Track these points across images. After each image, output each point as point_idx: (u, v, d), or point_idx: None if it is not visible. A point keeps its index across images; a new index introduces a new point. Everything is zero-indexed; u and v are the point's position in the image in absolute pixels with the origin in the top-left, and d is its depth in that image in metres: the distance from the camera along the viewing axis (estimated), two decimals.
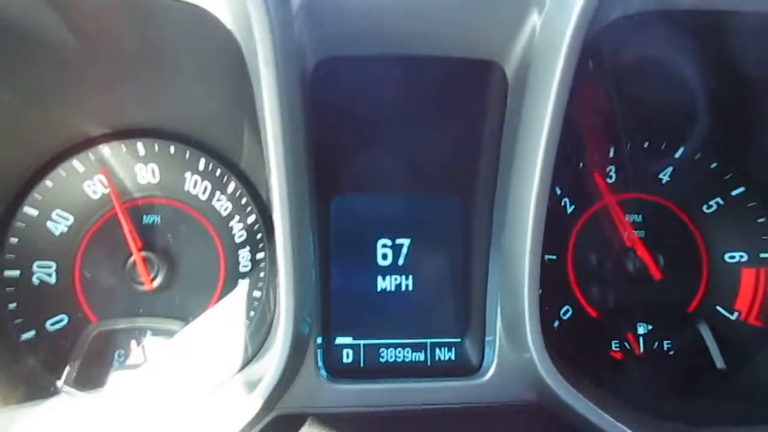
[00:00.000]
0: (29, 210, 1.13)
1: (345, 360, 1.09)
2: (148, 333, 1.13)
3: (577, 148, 1.18)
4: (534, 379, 0.96)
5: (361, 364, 1.09)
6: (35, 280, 1.13)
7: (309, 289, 1.00)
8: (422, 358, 1.10)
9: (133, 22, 0.95)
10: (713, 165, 1.22)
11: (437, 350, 1.10)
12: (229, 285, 1.15)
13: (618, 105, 1.11)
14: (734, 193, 1.22)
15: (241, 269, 1.16)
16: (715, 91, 1.11)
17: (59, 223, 1.14)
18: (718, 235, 1.22)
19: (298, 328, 0.92)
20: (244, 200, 1.17)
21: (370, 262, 1.11)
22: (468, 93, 1.07)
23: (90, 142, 1.15)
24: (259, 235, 1.17)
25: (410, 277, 1.11)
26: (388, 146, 1.10)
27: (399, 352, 1.10)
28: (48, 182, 1.14)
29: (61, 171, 1.14)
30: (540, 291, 0.93)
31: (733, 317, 1.20)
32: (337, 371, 1.07)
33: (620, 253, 1.18)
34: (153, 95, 1.09)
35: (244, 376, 1.01)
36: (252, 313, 1.14)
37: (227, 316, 1.12)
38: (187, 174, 1.16)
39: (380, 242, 1.11)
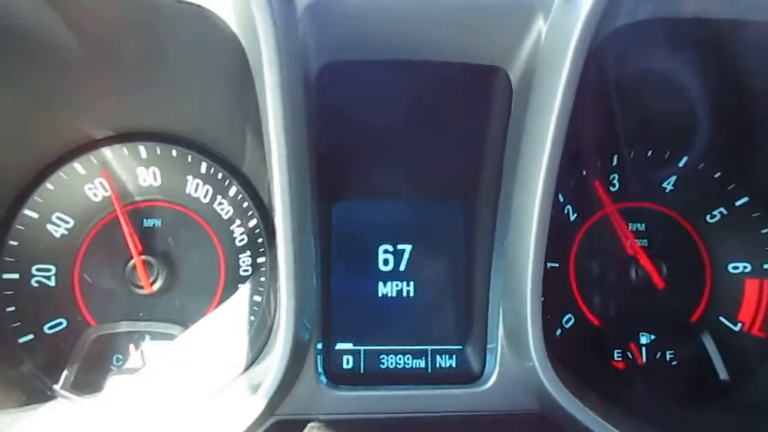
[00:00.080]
0: (29, 213, 1.13)
1: (345, 366, 1.09)
2: (147, 337, 1.13)
3: (580, 156, 1.17)
4: (536, 388, 0.95)
5: (362, 371, 1.09)
6: (34, 283, 1.12)
7: (310, 294, 0.99)
8: (423, 364, 1.10)
9: (137, 24, 0.95)
10: (717, 175, 1.22)
11: (438, 357, 1.10)
12: (230, 289, 1.15)
13: (622, 113, 1.11)
14: (738, 203, 1.21)
15: (242, 273, 1.16)
16: (719, 100, 1.10)
17: (59, 226, 1.13)
18: (721, 245, 1.21)
19: (299, 334, 0.92)
20: (245, 204, 1.16)
21: (372, 267, 1.10)
22: (472, 98, 1.07)
23: (92, 145, 1.15)
24: (260, 240, 1.16)
25: (411, 283, 1.10)
26: (391, 151, 1.10)
27: (399, 359, 1.09)
28: (49, 185, 1.14)
29: (62, 173, 1.14)
30: (542, 299, 0.93)
31: (737, 328, 1.19)
32: (337, 377, 1.06)
33: (623, 262, 1.18)
34: (156, 98, 1.09)
35: (244, 381, 1.00)
36: (252, 318, 1.13)
37: (227, 320, 1.11)
38: (189, 177, 1.16)
39: (382, 248, 1.10)
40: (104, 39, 0.96)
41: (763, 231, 1.20)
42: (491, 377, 1.03)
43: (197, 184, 1.16)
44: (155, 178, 1.16)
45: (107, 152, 1.15)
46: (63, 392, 1.08)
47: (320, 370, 1.03)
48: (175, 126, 1.15)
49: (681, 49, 1.02)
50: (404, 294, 1.10)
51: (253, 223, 1.16)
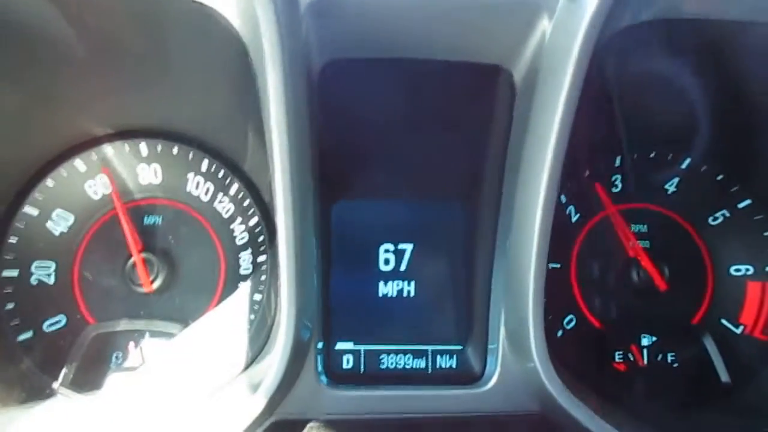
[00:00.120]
0: (29, 209, 1.12)
1: (345, 366, 1.08)
2: (147, 335, 1.12)
3: (582, 156, 1.17)
4: (537, 389, 0.95)
5: (362, 370, 1.08)
6: (34, 281, 1.12)
7: (310, 294, 0.99)
8: (423, 365, 1.09)
9: (138, 21, 0.94)
10: (720, 177, 1.22)
11: (438, 357, 1.09)
12: (230, 288, 1.14)
13: (624, 114, 1.11)
14: (741, 205, 1.21)
15: (242, 272, 1.15)
16: (722, 101, 1.10)
17: (59, 223, 1.13)
18: (723, 248, 1.21)
19: (299, 333, 0.91)
20: (246, 202, 1.16)
21: (372, 267, 1.10)
22: (475, 97, 1.07)
23: (93, 142, 1.14)
24: (260, 238, 1.16)
25: (412, 282, 1.10)
26: (393, 150, 1.09)
27: (400, 359, 1.09)
28: (49, 182, 1.13)
29: (62, 170, 1.14)
30: (544, 299, 0.93)
31: (738, 331, 1.19)
32: (338, 377, 1.06)
33: (624, 263, 1.17)
34: (157, 95, 1.09)
35: (244, 380, 1.00)
36: (252, 317, 1.13)
37: (227, 319, 1.11)
38: (190, 175, 1.15)
39: (382, 247, 1.10)
40: (106, 36, 0.96)
41: (766, 234, 1.20)
42: (492, 378, 1.03)
43: (198, 182, 1.15)
44: (156, 176, 1.15)
45: (108, 149, 1.14)
46: (62, 390, 1.07)
47: (320, 369, 1.03)
48: (177, 123, 1.14)
49: (685, 50, 1.02)
50: (405, 294, 1.10)
51: (253, 221, 1.16)
